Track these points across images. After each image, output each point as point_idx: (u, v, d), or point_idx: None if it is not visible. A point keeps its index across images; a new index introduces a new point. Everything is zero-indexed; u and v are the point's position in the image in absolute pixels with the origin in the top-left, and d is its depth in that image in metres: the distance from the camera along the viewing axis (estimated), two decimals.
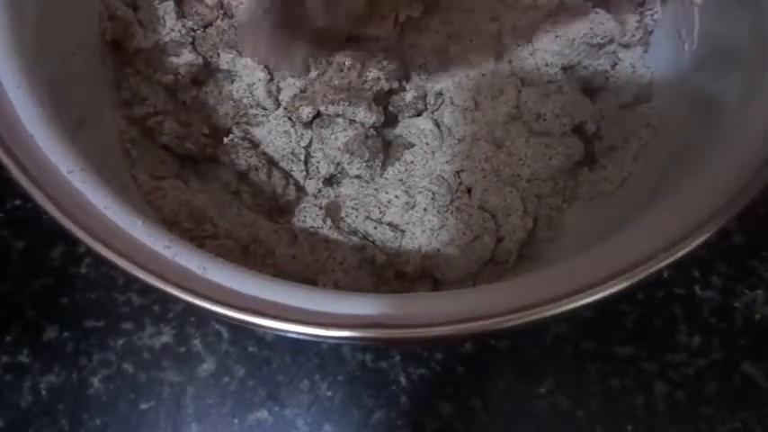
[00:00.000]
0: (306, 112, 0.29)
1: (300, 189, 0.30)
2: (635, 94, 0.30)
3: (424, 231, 0.27)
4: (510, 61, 0.30)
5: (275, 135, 0.30)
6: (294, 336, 0.18)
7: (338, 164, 0.29)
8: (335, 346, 0.31)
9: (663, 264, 0.18)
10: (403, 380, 0.30)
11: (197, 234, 0.26)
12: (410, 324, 0.18)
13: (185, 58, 0.30)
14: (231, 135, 0.30)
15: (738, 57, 0.25)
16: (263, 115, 0.30)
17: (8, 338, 0.31)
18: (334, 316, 0.18)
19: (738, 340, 0.31)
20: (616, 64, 0.31)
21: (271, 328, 0.18)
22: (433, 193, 0.28)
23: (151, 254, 0.19)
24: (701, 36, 0.28)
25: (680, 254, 0.18)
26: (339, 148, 0.29)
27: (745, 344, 0.31)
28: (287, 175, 0.30)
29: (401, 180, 0.29)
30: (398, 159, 0.30)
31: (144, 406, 0.30)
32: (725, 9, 0.27)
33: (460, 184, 0.29)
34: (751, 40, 0.25)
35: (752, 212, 0.20)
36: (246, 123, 0.30)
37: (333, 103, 0.28)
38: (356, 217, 0.28)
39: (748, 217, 0.20)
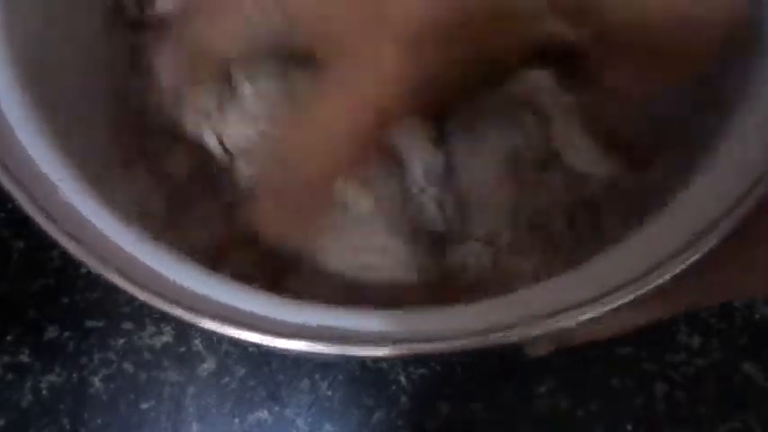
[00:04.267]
0: None
1: None
2: None
3: None
4: None
5: None
6: (313, 356, 0.18)
7: None
8: None
9: (667, 276, 0.18)
10: (403, 380, 0.30)
11: None
12: (431, 338, 0.18)
13: None
14: None
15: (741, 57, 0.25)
16: None
17: (9, 338, 0.31)
18: (351, 332, 0.18)
19: (738, 340, 0.31)
20: None
21: (286, 349, 0.18)
22: None
23: (136, 264, 0.19)
24: None
25: (684, 265, 0.18)
26: None
27: (745, 344, 0.31)
28: None
29: None
30: None
31: (144, 405, 0.30)
32: None
33: None
34: (754, 38, 0.24)
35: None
36: None
37: None
38: None
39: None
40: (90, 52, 0.27)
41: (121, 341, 0.31)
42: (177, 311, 0.18)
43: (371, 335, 0.18)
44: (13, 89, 0.22)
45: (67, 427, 0.29)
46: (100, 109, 0.27)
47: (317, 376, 0.30)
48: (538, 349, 0.27)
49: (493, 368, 0.30)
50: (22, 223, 0.33)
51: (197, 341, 0.31)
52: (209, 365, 0.30)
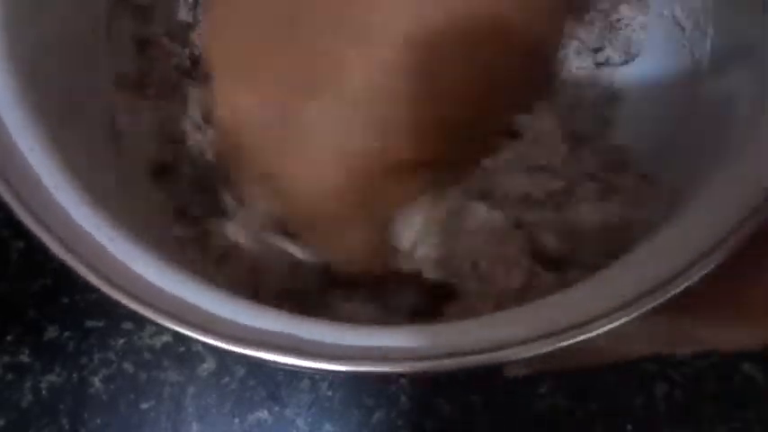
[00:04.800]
0: None
1: None
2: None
3: None
4: None
5: None
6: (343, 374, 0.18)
7: None
8: None
9: (677, 290, 0.18)
10: (403, 380, 0.30)
11: None
12: (457, 353, 0.18)
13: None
14: None
15: (752, 57, 0.24)
16: None
17: (9, 338, 0.31)
18: (372, 349, 0.18)
19: None
20: None
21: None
22: None
23: (128, 273, 0.19)
24: (716, 37, 0.27)
25: (694, 278, 0.18)
26: None
27: None
28: None
29: None
30: None
31: (144, 405, 0.30)
32: (738, 7, 0.26)
33: None
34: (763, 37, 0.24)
35: None
36: None
37: None
38: None
39: None
40: (91, 47, 0.27)
41: (121, 341, 0.31)
42: (172, 325, 0.18)
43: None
44: (11, 88, 0.22)
45: (67, 427, 0.29)
46: (100, 107, 0.27)
47: (317, 376, 0.30)
48: (517, 370, 0.29)
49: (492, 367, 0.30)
50: (22, 223, 0.33)
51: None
52: (209, 365, 0.30)
